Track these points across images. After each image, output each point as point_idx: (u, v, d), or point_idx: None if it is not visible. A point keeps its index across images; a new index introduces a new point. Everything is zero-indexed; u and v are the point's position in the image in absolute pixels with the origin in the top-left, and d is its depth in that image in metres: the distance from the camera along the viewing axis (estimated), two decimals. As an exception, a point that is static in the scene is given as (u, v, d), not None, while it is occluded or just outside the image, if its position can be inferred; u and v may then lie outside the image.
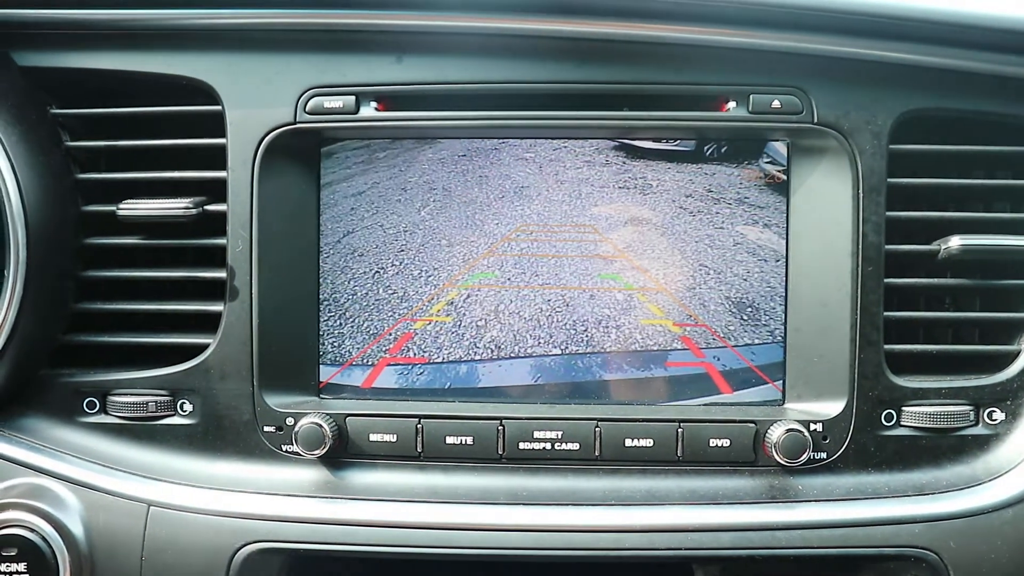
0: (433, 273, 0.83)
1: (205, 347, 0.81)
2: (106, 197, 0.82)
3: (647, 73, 0.79)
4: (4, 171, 0.76)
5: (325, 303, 0.83)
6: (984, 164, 0.83)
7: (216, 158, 0.81)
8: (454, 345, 0.83)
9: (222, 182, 0.80)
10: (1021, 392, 0.80)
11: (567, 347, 0.83)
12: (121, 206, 0.80)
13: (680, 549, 0.76)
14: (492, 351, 0.83)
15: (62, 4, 0.79)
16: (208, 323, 0.81)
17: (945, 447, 0.80)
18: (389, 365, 0.83)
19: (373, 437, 0.80)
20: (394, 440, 0.79)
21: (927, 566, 0.76)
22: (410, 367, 0.83)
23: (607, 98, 0.80)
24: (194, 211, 0.80)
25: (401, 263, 0.83)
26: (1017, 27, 0.74)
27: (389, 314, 0.83)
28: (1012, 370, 0.80)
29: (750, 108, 0.78)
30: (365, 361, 0.83)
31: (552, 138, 0.82)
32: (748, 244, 0.82)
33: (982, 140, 0.81)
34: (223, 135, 0.80)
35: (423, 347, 0.83)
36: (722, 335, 0.82)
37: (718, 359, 0.82)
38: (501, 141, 0.82)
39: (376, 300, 0.83)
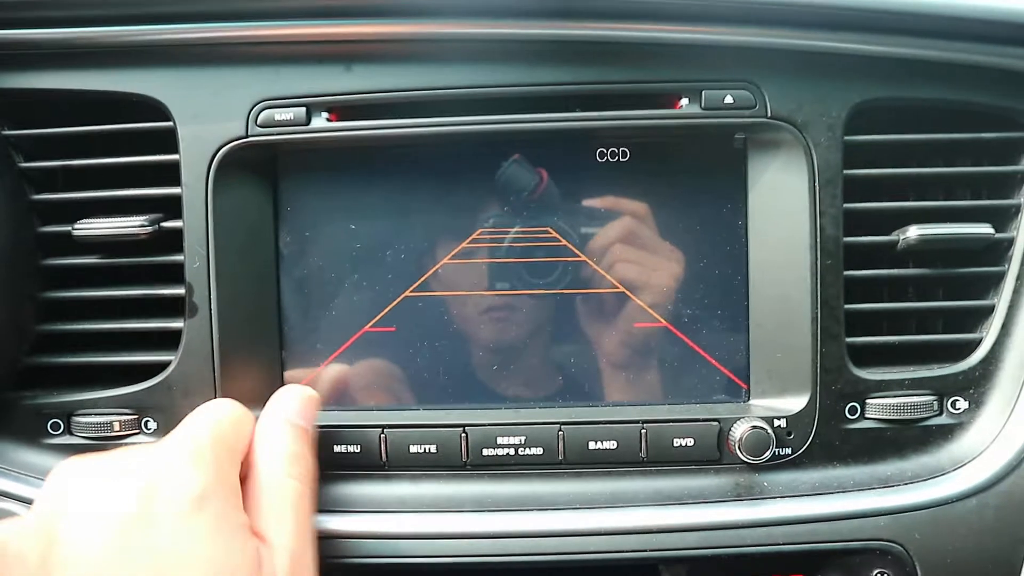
0: (392, 282, 0.82)
1: (167, 364, 0.81)
2: (63, 217, 0.82)
3: (599, 73, 0.78)
4: (-46, 196, 0.75)
5: (286, 315, 0.83)
6: (944, 153, 0.82)
7: (171, 174, 0.80)
8: (415, 353, 0.83)
9: (177, 198, 0.80)
10: (984, 380, 0.80)
11: (527, 351, 0.83)
12: (76, 226, 0.80)
13: (646, 551, 0.76)
14: (453, 358, 0.83)
15: (6, 24, 0.78)
16: (169, 340, 0.81)
17: (910, 438, 0.80)
18: (352, 375, 0.83)
19: (337, 448, 0.79)
20: (358, 451, 0.79)
21: (893, 559, 0.76)
22: (373, 376, 0.83)
23: (559, 100, 0.79)
24: (150, 228, 0.80)
25: (360, 273, 0.82)
26: (965, 14, 0.73)
27: (350, 324, 0.83)
28: (975, 358, 0.80)
29: (703, 104, 0.78)
30: (328, 372, 0.83)
31: (504, 142, 0.81)
32: (707, 241, 0.81)
33: (940, 128, 0.80)
34: (176, 151, 0.79)
35: (385, 355, 0.83)
36: (684, 333, 0.82)
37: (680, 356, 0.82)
38: (455, 147, 0.81)
39: (337, 310, 0.83)
